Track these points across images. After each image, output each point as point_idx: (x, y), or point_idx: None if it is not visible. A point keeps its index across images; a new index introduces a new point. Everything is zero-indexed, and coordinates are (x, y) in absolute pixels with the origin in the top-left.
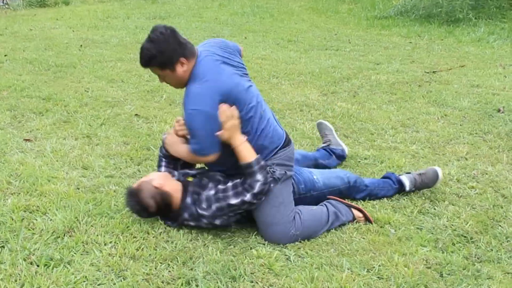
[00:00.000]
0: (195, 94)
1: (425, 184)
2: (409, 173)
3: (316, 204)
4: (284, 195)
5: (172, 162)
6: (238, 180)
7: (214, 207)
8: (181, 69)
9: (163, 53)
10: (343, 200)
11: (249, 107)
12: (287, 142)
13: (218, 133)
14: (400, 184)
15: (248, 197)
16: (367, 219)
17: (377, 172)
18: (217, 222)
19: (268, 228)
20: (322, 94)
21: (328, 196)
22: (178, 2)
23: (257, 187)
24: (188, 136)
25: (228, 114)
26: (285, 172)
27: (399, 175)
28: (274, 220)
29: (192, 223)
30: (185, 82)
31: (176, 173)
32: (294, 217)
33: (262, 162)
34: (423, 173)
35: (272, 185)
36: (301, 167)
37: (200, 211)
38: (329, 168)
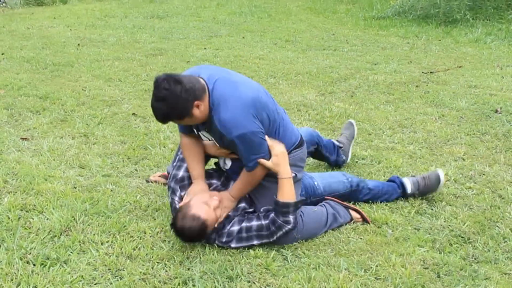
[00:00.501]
0: (230, 120)
1: (428, 187)
2: (413, 176)
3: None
4: None
5: None
6: (264, 222)
7: (233, 244)
8: (198, 111)
9: (176, 108)
10: (341, 202)
11: (272, 109)
12: (301, 142)
13: (265, 161)
14: (403, 187)
15: (272, 239)
16: (364, 220)
17: (375, 172)
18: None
19: None
20: (319, 94)
21: (326, 197)
22: (176, 2)
23: (284, 230)
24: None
25: (273, 143)
26: (295, 174)
27: (402, 177)
28: None
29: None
30: (206, 117)
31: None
32: (298, 221)
33: (299, 205)
34: (426, 176)
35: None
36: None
37: (217, 242)
38: (327, 160)
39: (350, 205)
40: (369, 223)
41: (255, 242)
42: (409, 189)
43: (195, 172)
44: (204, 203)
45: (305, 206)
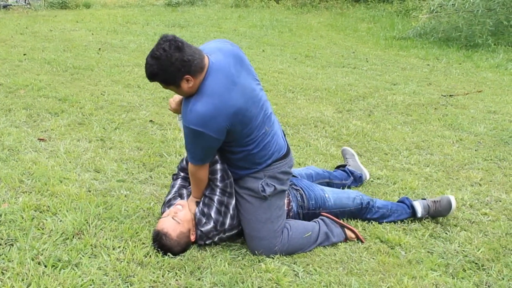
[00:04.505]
0: (201, 114)
1: (438, 212)
2: (424, 199)
3: None
4: (272, 211)
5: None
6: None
7: (213, 214)
8: (187, 85)
9: (166, 72)
10: (337, 220)
11: (255, 124)
12: (285, 155)
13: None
14: (414, 209)
15: (219, 183)
16: (358, 239)
17: (390, 193)
18: (214, 220)
19: (253, 241)
20: (337, 111)
21: (322, 213)
22: (197, 12)
23: (219, 174)
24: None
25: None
26: (275, 187)
27: (413, 200)
28: (259, 235)
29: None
30: (192, 94)
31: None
32: (282, 232)
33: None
34: (438, 200)
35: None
36: (314, 183)
37: (204, 229)
38: (342, 187)
39: (346, 224)
40: (363, 242)
41: (216, 197)
42: (419, 212)
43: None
44: (163, 217)
45: (297, 221)
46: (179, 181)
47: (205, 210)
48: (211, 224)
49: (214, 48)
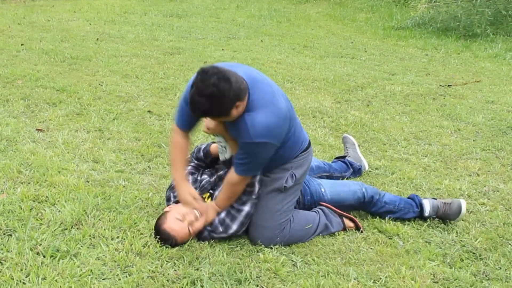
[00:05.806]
0: (265, 126)
1: (447, 215)
2: (435, 199)
3: None
4: (284, 204)
5: (200, 167)
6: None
7: (234, 226)
8: (236, 111)
9: (219, 106)
10: (336, 209)
11: (293, 121)
12: (308, 145)
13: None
14: (422, 207)
15: (254, 195)
16: (357, 228)
17: (388, 183)
18: (234, 231)
19: (256, 229)
20: (335, 102)
21: (320, 203)
22: (195, 1)
23: (257, 186)
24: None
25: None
26: (296, 178)
27: (423, 198)
28: (265, 224)
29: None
30: (240, 115)
31: (191, 177)
32: (284, 226)
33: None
34: (448, 203)
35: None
36: (313, 177)
37: (216, 235)
38: (341, 179)
39: (345, 213)
40: (362, 231)
41: (247, 208)
42: (427, 211)
43: (179, 174)
44: (178, 219)
45: (298, 211)
46: (188, 168)
47: (227, 220)
48: (227, 234)
49: (228, 65)
